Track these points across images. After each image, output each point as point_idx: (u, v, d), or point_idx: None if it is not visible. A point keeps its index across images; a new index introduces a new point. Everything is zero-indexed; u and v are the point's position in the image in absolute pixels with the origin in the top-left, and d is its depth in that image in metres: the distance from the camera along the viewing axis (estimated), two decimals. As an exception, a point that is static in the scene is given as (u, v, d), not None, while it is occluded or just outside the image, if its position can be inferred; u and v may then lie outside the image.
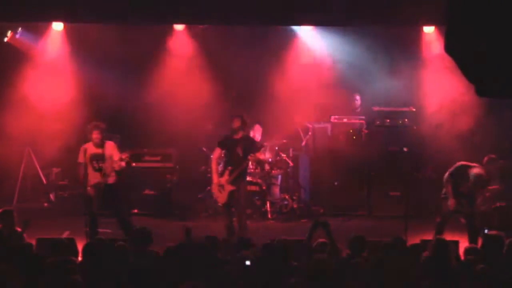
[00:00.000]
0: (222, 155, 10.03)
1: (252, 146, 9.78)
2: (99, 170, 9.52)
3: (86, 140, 9.68)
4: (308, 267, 6.00)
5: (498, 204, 10.53)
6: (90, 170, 9.55)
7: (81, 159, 9.64)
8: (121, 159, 9.55)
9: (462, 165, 9.37)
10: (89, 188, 9.49)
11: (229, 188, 9.71)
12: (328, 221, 6.74)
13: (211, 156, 10.26)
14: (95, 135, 9.50)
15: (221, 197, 9.82)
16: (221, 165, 10.27)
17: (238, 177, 9.72)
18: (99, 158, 9.54)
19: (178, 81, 13.08)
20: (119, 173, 9.73)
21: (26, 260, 6.43)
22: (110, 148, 9.65)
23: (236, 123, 9.75)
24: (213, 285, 5.95)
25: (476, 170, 9.21)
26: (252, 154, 9.62)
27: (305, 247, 6.53)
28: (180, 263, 6.36)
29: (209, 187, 12.40)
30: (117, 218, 9.61)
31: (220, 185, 9.75)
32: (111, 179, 9.63)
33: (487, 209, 10.33)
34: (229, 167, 9.73)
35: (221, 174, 9.87)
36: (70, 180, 12.76)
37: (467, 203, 9.37)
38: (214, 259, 6.79)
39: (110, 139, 9.87)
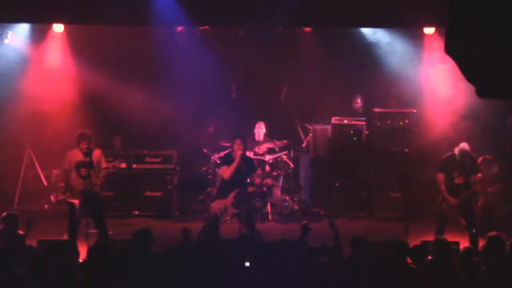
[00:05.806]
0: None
1: (251, 167, 9.77)
2: (87, 177, 9.51)
3: (73, 146, 9.67)
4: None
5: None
6: (76, 177, 9.56)
7: (66, 165, 9.66)
8: (113, 167, 9.78)
9: (448, 155, 9.63)
10: (77, 193, 9.50)
11: (232, 211, 9.66)
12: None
13: (220, 174, 9.98)
14: (83, 145, 9.52)
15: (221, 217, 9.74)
16: None
17: (242, 201, 9.68)
18: (87, 165, 9.54)
19: (178, 82, 13.07)
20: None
21: (30, 262, 6.46)
22: (97, 155, 9.68)
23: (239, 145, 9.72)
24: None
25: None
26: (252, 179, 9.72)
27: (306, 248, 6.55)
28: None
29: (210, 188, 12.42)
30: (100, 225, 9.60)
31: (225, 206, 9.65)
32: (97, 188, 9.66)
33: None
34: (236, 190, 9.65)
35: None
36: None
37: (464, 191, 9.48)
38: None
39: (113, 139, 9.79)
